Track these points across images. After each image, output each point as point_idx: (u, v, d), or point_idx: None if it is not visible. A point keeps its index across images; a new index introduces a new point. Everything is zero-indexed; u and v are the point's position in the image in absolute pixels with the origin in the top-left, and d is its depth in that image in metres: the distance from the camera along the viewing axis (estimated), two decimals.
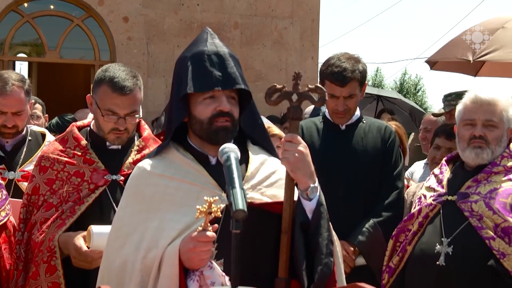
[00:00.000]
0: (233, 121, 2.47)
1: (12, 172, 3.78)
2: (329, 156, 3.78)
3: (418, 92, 43.32)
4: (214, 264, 2.29)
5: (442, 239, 3.14)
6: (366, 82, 3.92)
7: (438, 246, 3.14)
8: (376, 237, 3.69)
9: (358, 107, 3.93)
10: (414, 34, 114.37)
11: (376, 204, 3.78)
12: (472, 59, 5.34)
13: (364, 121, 3.93)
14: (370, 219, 3.73)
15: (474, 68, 6.02)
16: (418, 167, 5.59)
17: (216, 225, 2.24)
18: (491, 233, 3.04)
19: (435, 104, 43.34)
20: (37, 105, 5.77)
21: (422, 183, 3.62)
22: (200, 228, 2.21)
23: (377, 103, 12.32)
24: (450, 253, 3.09)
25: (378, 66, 46.03)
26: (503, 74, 6.54)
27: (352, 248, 3.69)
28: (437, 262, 3.11)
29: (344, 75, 3.73)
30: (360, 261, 3.74)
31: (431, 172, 3.50)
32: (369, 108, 12.22)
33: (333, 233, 2.48)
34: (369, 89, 13.59)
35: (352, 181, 3.76)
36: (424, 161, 5.45)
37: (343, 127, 3.90)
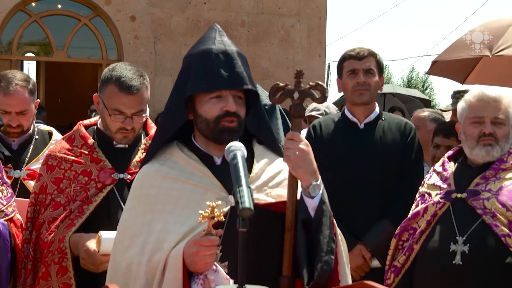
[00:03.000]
0: (239, 121, 2.46)
1: (18, 170, 3.78)
2: (347, 154, 3.76)
3: (426, 89, 43.21)
4: (219, 267, 2.28)
5: (457, 237, 3.10)
6: (383, 75, 3.94)
7: (453, 245, 3.10)
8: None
9: (377, 104, 3.92)
10: (421, 31, 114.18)
11: (393, 203, 3.75)
12: (491, 54, 5.37)
13: (384, 118, 3.90)
14: (386, 220, 3.70)
15: (463, 75, 6.09)
16: None
17: (220, 230, 2.23)
18: (506, 230, 3.01)
19: (443, 101, 43.22)
20: None
21: (423, 181, 3.59)
22: (204, 232, 2.20)
23: (384, 100, 12.30)
24: (467, 252, 3.06)
25: (386, 64, 45.94)
26: (489, 83, 6.58)
27: (369, 255, 3.68)
28: (453, 261, 3.07)
29: (360, 51, 3.89)
30: (376, 263, 3.72)
31: (432, 169, 3.45)
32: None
33: (338, 231, 2.47)
34: None
35: (370, 180, 3.74)
36: None
37: (362, 126, 3.87)
